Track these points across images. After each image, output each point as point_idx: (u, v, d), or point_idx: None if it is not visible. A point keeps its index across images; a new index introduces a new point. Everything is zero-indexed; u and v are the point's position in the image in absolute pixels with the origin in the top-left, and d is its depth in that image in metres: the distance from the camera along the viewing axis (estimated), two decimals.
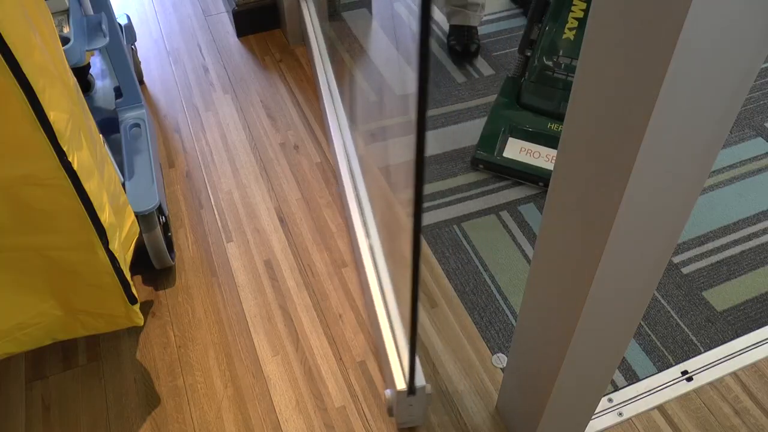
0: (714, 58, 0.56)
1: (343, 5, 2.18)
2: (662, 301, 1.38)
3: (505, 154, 1.60)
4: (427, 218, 1.54)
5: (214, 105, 1.86)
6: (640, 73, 0.58)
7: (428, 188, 1.61)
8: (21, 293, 0.97)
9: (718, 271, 1.43)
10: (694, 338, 1.32)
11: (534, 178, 1.58)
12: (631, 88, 0.59)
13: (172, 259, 1.41)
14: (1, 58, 0.72)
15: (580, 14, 1.53)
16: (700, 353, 1.29)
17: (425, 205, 1.57)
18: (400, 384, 1.08)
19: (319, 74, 1.78)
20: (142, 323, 1.09)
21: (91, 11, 1.33)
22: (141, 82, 1.92)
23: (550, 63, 1.59)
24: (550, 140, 1.60)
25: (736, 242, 1.49)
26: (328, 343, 1.31)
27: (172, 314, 1.36)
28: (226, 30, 2.14)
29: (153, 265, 1.39)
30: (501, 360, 1.28)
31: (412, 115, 0.59)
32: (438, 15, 2.12)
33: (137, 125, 1.46)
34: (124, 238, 1.07)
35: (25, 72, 0.75)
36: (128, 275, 1.03)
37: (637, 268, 0.79)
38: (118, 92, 1.49)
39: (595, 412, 1.19)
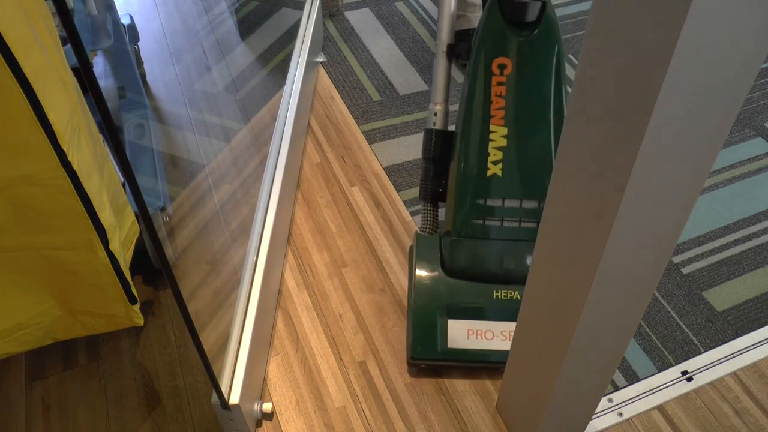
0: (714, 58, 0.56)
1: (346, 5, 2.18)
2: (662, 301, 1.38)
3: (450, 345, 1.23)
4: None
5: (217, 105, 1.86)
6: (641, 73, 0.58)
7: None
8: (21, 293, 0.97)
9: (718, 271, 1.43)
10: (694, 338, 1.32)
11: (495, 364, 1.24)
12: (632, 88, 0.59)
13: (175, 259, 1.41)
14: (1, 58, 0.72)
15: (503, 142, 1.22)
16: (700, 353, 1.29)
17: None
18: (214, 397, 1.05)
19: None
20: (142, 323, 1.09)
21: (95, 11, 1.33)
22: (144, 82, 1.92)
23: (476, 211, 1.25)
24: (500, 313, 1.25)
25: (736, 242, 1.48)
26: (328, 343, 1.31)
27: (172, 314, 1.36)
28: (229, 30, 2.14)
29: (153, 265, 1.39)
30: None
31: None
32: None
33: (141, 125, 1.46)
34: (124, 238, 1.07)
35: (25, 72, 0.75)
36: (128, 275, 1.03)
37: (637, 269, 0.79)
38: (121, 92, 1.50)
39: (595, 412, 1.19)
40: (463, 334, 1.24)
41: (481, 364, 1.25)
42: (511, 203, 1.25)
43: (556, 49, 1.21)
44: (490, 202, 1.25)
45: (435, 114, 1.34)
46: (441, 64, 1.34)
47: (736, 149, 1.70)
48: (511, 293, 1.26)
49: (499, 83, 1.22)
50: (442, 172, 1.35)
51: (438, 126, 1.34)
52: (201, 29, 2.16)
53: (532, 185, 1.24)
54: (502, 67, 1.21)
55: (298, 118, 1.61)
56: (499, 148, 1.23)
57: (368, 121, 1.78)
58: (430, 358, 1.24)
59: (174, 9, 2.24)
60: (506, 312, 1.25)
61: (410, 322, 1.26)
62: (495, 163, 1.23)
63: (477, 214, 1.26)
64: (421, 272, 1.30)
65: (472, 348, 1.23)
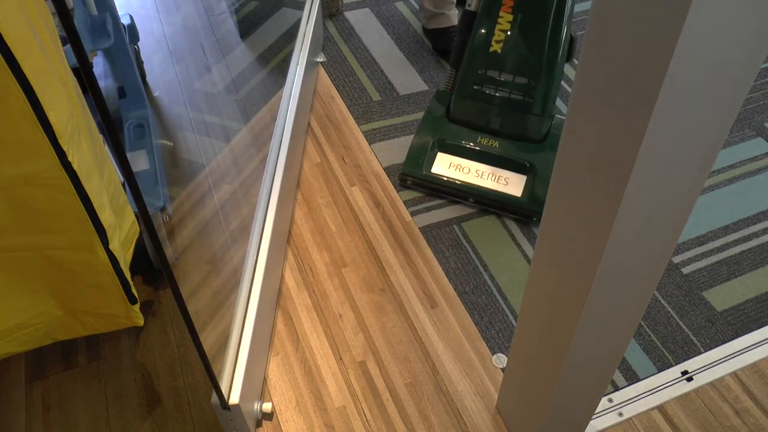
0: (714, 58, 0.56)
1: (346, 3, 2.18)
2: (662, 301, 1.38)
3: (433, 170, 1.56)
4: (427, 218, 1.54)
5: (217, 105, 1.86)
6: (641, 73, 0.58)
7: None
8: (21, 293, 0.97)
9: (718, 271, 1.43)
10: (694, 338, 1.32)
11: (463, 194, 1.54)
12: (632, 87, 0.59)
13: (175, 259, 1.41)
14: (1, 58, 0.72)
15: (507, 26, 1.47)
16: (700, 353, 1.29)
17: (425, 205, 1.57)
18: (214, 397, 1.05)
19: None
20: (142, 323, 1.09)
21: (95, 11, 1.33)
22: (144, 82, 1.92)
23: (477, 78, 1.53)
24: (480, 156, 1.56)
25: (736, 242, 1.49)
26: (328, 343, 1.31)
27: (172, 314, 1.36)
28: (229, 30, 2.14)
29: (153, 265, 1.39)
30: (501, 360, 1.28)
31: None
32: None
33: (141, 125, 1.46)
34: (124, 238, 1.07)
35: (25, 72, 0.75)
36: (128, 275, 1.03)
37: (637, 268, 0.79)
38: (121, 92, 1.50)
39: (595, 412, 1.19)
40: (446, 164, 1.58)
41: (453, 191, 1.55)
42: (505, 77, 1.52)
43: None
44: (489, 73, 1.53)
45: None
46: None
47: (736, 149, 1.70)
48: (492, 141, 1.58)
49: None
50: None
51: (473, 8, 1.54)
52: (201, 29, 2.16)
53: (524, 66, 1.49)
54: None
55: (298, 118, 1.61)
56: (503, 31, 1.49)
57: (368, 121, 1.78)
58: (415, 176, 1.57)
59: (174, 9, 2.24)
60: (484, 156, 1.57)
61: (410, 146, 1.61)
62: (498, 42, 1.49)
63: (477, 81, 1.55)
64: (429, 114, 1.65)
65: (450, 176, 1.55)
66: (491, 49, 1.49)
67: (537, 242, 0.87)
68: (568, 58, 1.51)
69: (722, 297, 1.38)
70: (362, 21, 2.13)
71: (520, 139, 1.57)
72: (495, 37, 1.48)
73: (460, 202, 1.57)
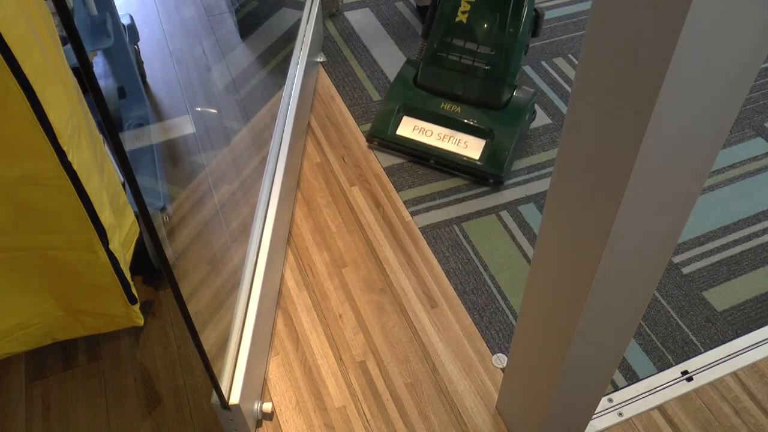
0: (714, 58, 0.56)
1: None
2: (662, 301, 1.38)
3: (398, 132, 1.66)
4: (427, 218, 1.54)
5: (217, 105, 1.86)
6: (641, 73, 0.58)
7: (428, 188, 1.61)
8: (21, 293, 0.97)
9: (718, 271, 1.43)
10: (694, 338, 1.32)
11: (425, 155, 1.64)
12: (632, 87, 0.59)
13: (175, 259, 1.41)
14: (1, 58, 0.72)
15: None
16: (700, 353, 1.29)
17: (425, 205, 1.57)
18: (214, 397, 1.05)
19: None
20: (142, 323, 1.09)
21: (95, 11, 1.33)
22: (144, 82, 1.92)
23: (443, 46, 1.63)
24: (442, 120, 1.65)
25: (736, 242, 1.48)
26: (328, 343, 1.31)
27: (172, 314, 1.36)
28: (229, 30, 2.14)
29: (153, 265, 1.39)
30: (501, 360, 1.28)
31: None
32: None
33: (141, 125, 1.46)
34: (124, 238, 1.07)
35: (25, 72, 0.75)
36: (128, 275, 1.03)
37: (637, 268, 0.79)
38: (121, 92, 1.50)
39: (595, 412, 1.19)
40: (411, 128, 1.67)
41: (415, 152, 1.64)
42: (469, 45, 1.61)
43: None
44: (455, 42, 1.62)
45: None
46: None
47: (736, 149, 1.70)
48: (454, 107, 1.65)
49: None
50: None
51: None
52: (201, 29, 2.16)
53: (487, 35, 1.59)
54: None
55: (298, 118, 1.61)
56: (468, 2, 1.60)
57: (368, 121, 1.78)
58: (381, 137, 1.66)
59: (174, 9, 2.25)
60: (446, 120, 1.65)
61: (379, 110, 1.70)
62: (463, 12, 1.60)
63: (443, 49, 1.64)
64: (398, 80, 1.74)
65: (414, 138, 1.65)
66: (457, 19, 1.60)
67: (537, 242, 0.87)
68: (534, 34, 1.64)
69: (722, 297, 1.38)
70: (362, 21, 2.13)
71: (482, 106, 1.64)
72: (461, 8, 1.60)
73: (458, 202, 1.58)
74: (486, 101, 1.64)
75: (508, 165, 1.58)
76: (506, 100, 1.65)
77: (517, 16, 1.56)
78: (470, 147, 1.61)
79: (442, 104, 1.66)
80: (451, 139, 1.63)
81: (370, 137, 1.68)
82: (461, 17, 1.60)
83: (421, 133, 1.65)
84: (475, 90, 1.64)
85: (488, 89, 1.62)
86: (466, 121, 1.63)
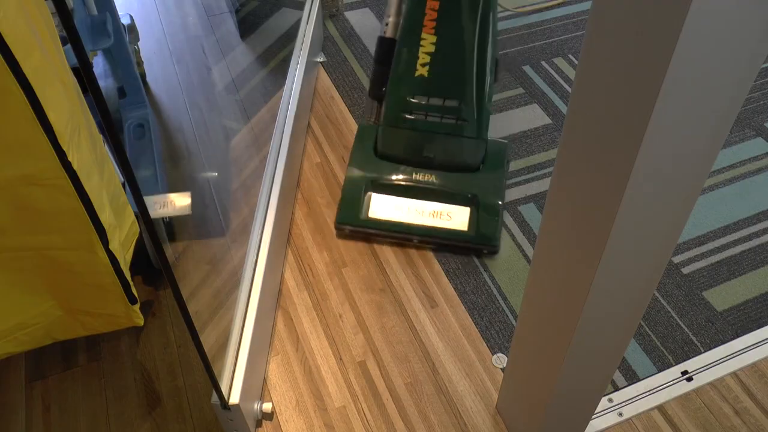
0: (714, 58, 0.56)
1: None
2: (662, 301, 1.38)
3: (370, 215, 1.46)
4: None
5: (217, 105, 1.86)
6: (641, 73, 0.58)
7: None
8: (21, 293, 0.97)
9: (718, 271, 1.43)
10: (694, 338, 1.32)
11: (407, 235, 1.45)
12: (632, 87, 0.59)
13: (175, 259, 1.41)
14: (1, 58, 0.72)
15: (431, 48, 1.38)
16: (700, 353, 1.29)
17: None
18: (214, 397, 1.05)
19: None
20: (142, 323, 1.09)
21: (95, 11, 1.33)
22: (144, 82, 1.92)
23: (404, 106, 1.44)
24: (417, 192, 1.47)
25: (736, 242, 1.48)
26: (328, 343, 1.31)
27: (172, 314, 1.36)
28: (229, 30, 2.14)
29: (153, 265, 1.39)
30: (501, 360, 1.29)
31: None
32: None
33: (141, 125, 1.46)
34: (124, 238, 1.07)
35: (25, 72, 0.75)
36: (128, 275, 1.03)
37: (637, 268, 0.79)
38: (121, 92, 1.50)
39: (595, 412, 1.19)
40: (383, 206, 1.47)
41: (395, 234, 1.46)
42: (434, 101, 1.43)
43: None
44: (417, 99, 1.43)
45: (386, 24, 1.49)
46: None
47: (736, 149, 1.70)
48: (428, 176, 1.48)
49: None
50: (388, 74, 1.49)
51: (388, 34, 1.48)
52: (201, 29, 2.16)
53: (453, 87, 1.41)
54: None
55: (298, 118, 1.61)
56: (427, 53, 1.39)
57: (368, 121, 1.78)
58: (351, 224, 1.46)
59: (174, 9, 2.25)
60: (421, 192, 1.47)
61: (342, 192, 1.50)
62: (423, 65, 1.40)
63: (405, 108, 1.45)
64: (356, 153, 1.55)
65: (389, 219, 1.45)
66: (417, 74, 1.41)
67: (537, 242, 0.87)
68: (494, 80, 1.44)
69: (722, 297, 1.38)
70: (362, 21, 2.13)
71: (457, 169, 1.49)
72: (420, 60, 1.40)
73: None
74: (461, 161, 1.48)
75: (499, 229, 1.45)
76: (482, 156, 1.50)
77: (482, 60, 1.38)
78: (455, 218, 1.44)
79: (413, 174, 1.48)
80: (432, 212, 1.45)
81: (339, 225, 1.47)
82: (421, 71, 1.40)
83: (396, 210, 1.45)
84: (448, 149, 1.47)
85: (462, 147, 1.46)
86: (444, 189, 1.46)
